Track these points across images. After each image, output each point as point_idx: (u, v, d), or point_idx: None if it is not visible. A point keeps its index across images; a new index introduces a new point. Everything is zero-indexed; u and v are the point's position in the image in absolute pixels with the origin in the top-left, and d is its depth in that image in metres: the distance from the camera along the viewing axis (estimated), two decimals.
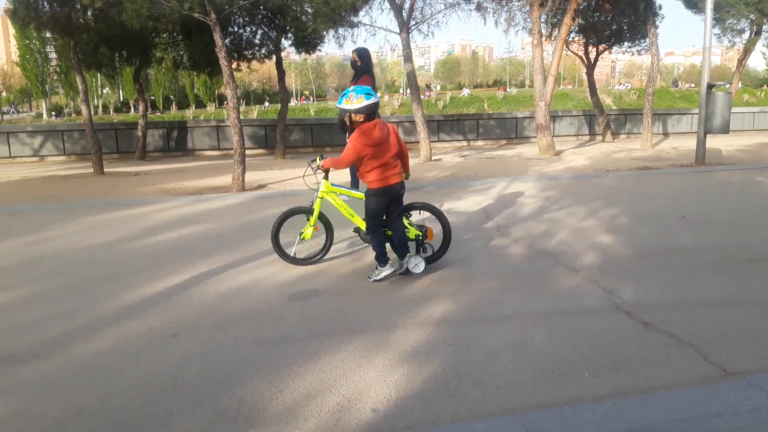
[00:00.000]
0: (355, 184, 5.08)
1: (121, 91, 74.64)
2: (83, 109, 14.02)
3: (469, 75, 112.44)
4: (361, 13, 17.80)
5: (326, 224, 5.33)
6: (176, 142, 20.94)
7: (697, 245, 5.82)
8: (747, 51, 23.84)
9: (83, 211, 8.30)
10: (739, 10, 21.18)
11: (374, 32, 22.69)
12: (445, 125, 23.83)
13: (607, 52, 25.28)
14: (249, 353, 3.54)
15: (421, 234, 5.11)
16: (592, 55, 23.60)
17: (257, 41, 18.50)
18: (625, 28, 22.68)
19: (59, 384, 3.21)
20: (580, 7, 15.93)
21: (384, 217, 4.97)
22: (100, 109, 68.60)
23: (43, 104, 68.12)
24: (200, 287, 4.81)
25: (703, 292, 4.45)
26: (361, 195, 5.15)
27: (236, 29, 18.17)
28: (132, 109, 68.08)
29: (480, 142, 23.91)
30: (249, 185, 11.25)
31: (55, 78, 66.18)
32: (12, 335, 3.89)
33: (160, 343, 3.71)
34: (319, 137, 22.06)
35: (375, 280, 4.87)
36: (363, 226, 5.11)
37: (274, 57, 18.95)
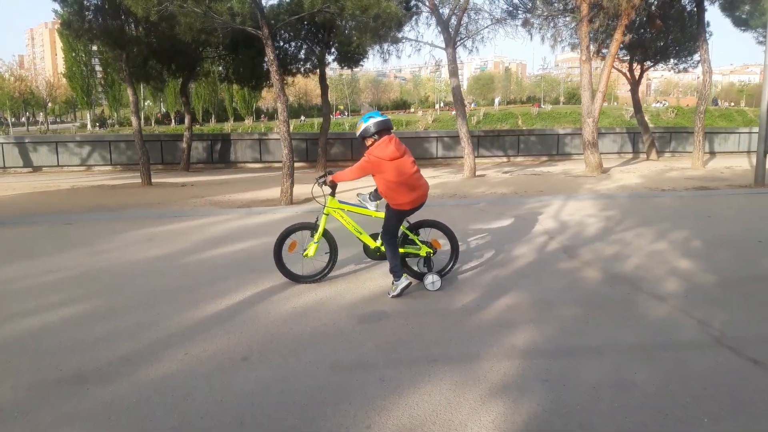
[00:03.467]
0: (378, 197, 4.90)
1: (162, 104, 76.30)
2: (133, 120, 14.20)
3: (503, 91, 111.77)
4: (406, 28, 17.75)
5: (330, 241, 5.14)
6: (219, 154, 21.15)
7: None
8: None
9: (137, 222, 8.27)
10: None
11: (419, 47, 22.62)
12: (485, 141, 23.54)
13: (651, 69, 24.69)
14: (326, 380, 3.32)
15: (432, 252, 5.07)
16: (636, 72, 23.06)
17: (302, 56, 18.59)
18: (671, 44, 22.15)
19: (131, 410, 3.03)
20: (631, 23, 15.51)
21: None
22: (142, 121, 70.08)
23: (88, 115, 70.00)
24: (265, 305, 4.63)
25: None
26: (370, 212, 5.05)
27: (281, 44, 18.28)
28: (173, 121, 69.55)
29: (520, 158, 23.55)
30: (296, 198, 11.15)
31: (99, 90, 68.02)
32: (77, 353, 3.75)
33: (231, 367, 3.52)
34: (358, 151, 21.96)
35: (394, 296, 4.80)
36: (371, 243, 5.03)
37: (318, 71, 19.01)
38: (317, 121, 69.20)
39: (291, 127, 58.06)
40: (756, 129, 26.14)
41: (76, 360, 3.65)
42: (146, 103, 75.38)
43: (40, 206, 10.63)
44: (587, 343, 3.82)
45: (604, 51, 18.58)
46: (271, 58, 10.73)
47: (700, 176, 14.60)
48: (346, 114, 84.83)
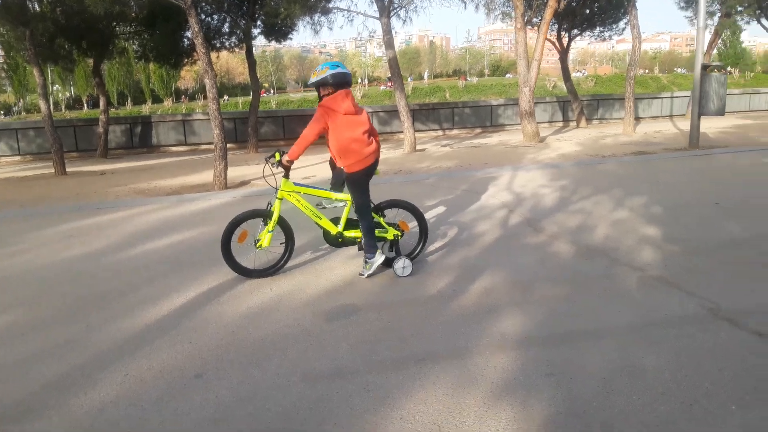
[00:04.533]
0: (339, 184, 4.38)
1: (72, 88, 71.33)
2: (42, 104, 12.85)
3: (429, 65, 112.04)
4: None
5: (286, 229, 4.62)
6: (140, 138, 19.76)
7: (752, 236, 5.33)
8: (717, 33, 23.93)
9: (54, 218, 7.35)
10: None
11: (351, 18, 21.84)
12: (420, 114, 23.20)
13: (578, 38, 25.04)
14: (300, 395, 2.83)
15: (400, 234, 4.72)
16: (565, 41, 23.31)
17: (226, 30, 17.49)
18: (597, 12, 22.48)
19: None
20: None
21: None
22: (52, 106, 65.36)
23: None
24: (215, 307, 4.04)
25: None
26: (328, 194, 4.59)
27: (203, 17, 17.10)
28: (85, 105, 65.24)
29: (455, 131, 23.41)
30: (231, 182, 10.41)
31: (2, 75, 62.78)
32: None
33: (184, 388, 2.95)
34: (290, 129, 21.15)
35: (370, 275, 4.52)
36: (333, 229, 4.60)
37: (244, 46, 17.98)
38: (241, 100, 66.73)
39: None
40: (678, 93, 27.22)
41: None
42: (55, 87, 70.22)
43: None
44: (582, 327, 3.50)
45: (535, 20, 18.50)
46: (196, 29, 9.82)
47: (634, 141, 14.85)
48: (272, 92, 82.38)
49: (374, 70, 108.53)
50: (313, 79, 4.42)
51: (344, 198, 4.59)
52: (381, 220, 4.68)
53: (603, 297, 3.95)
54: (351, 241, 4.68)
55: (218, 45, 17.60)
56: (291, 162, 4.43)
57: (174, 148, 19.98)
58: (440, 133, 22.95)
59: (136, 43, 19.36)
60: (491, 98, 35.42)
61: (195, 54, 18.30)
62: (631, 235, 5.46)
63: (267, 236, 4.52)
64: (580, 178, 8.75)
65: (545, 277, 4.40)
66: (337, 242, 4.67)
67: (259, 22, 17.95)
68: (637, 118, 25.84)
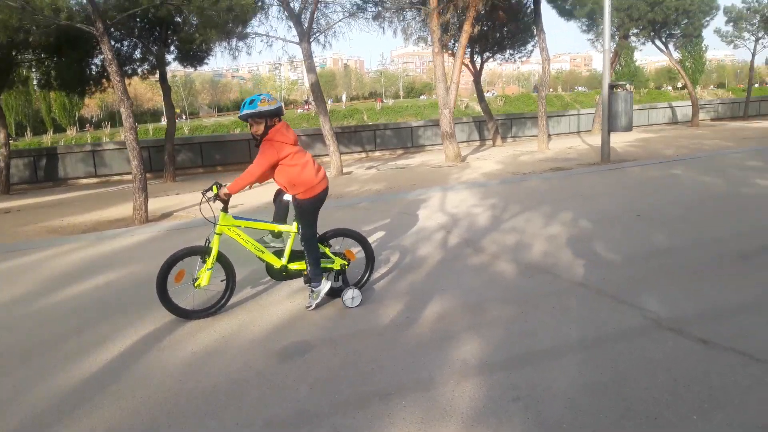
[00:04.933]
0: (282, 218, 4.31)
1: None
2: None
3: (346, 87, 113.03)
4: (255, 23, 16.77)
5: (226, 266, 4.40)
6: (45, 172, 18.50)
7: (677, 244, 5.66)
8: (617, 54, 25.68)
9: None
10: (615, 15, 22.68)
11: (271, 43, 21.57)
12: (342, 137, 23.22)
13: (490, 60, 26.09)
14: None
15: (347, 263, 4.63)
16: (478, 64, 24.23)
17: (137, 56, 16.82)
18: (507, 36, 23.55)
19: None
20: (477, 14, 16.04)
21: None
22: None
23: None
24: (156, 355, 3.77)
25: (727, 296, 4.18)
26: (271, 226, 4.47)
27: (113, 43, 16.34)
28: None
29: (378, 153, 23.61)
30: (152, 215, 9.91)
31: None
32: None
33: None
34: (209, 156, 20.55)
35: (318, 304, 4.44)
36: (276, 263, 4.45)
37: (157, 73, 17.34)
38: (151, 126, 64.11)
39: (122, 136, 52.75)
40: (584, 111, 28.87)
41: None
42: None
43: None
44: (539, 346, 3.54)
45: (450, 44, 19.11)
46: (110, 57, 9.33)
47: (550, 158, 15.54)
48: (184, 117, 79.92)
49: (290, 94, 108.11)
50: (268, 107, 4.19)
51: (288, 229, 4.46)
52: (327, 250, 4.57)
53: (553, 314, 4.03)
54: (296, 274, 4.54)
55: (130, 72, 16.85)
56: (229, 196, 4.25)
57: (83, 181, 18.84)
58: (363, 155, 23.06)
59: (38, 71, 18.22)
60: (411, 120, 36.08)
61: (103, 82, 17.48)
62: (566, 250, 5.65)
63: (206, 274, 4.29)
64: (507, 196, 9.01)
65: (494, 298, 4.44)
66: (281, 275, 4.51)
67: (173, 48, 17.41)
68: (549, 135, 27.19)
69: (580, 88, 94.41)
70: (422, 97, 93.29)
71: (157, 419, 2.96)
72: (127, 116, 9.51)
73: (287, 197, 4.41)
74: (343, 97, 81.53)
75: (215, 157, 20.62)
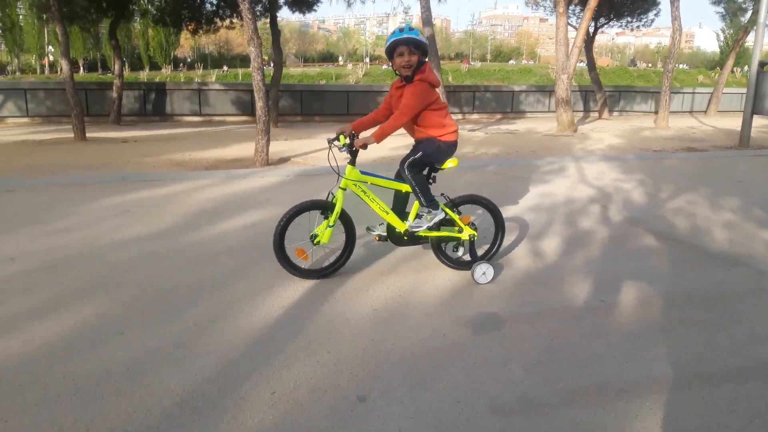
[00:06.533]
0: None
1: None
2: (63, 64, 12.07)
3: (430, 46, 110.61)
4: None
5: (346, 223, 3.98)
6: (153, 106, 19.01)
7: None
8: (747, 31, 23.43)
9: (97, 189, 6.74)
10: None
11: None
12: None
13: (606, 28, 24.46)
14: None
15: (476, 234, 4.08)
16: (592, 29, 22.73)
17: None
18: (628, 2, 21.93)
19: None
20: None
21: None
22: (47, 69, 63.82)
23: None
24: (334, 307, 3.50)
25: None
26: (398, 185, 3.96)
27: None
28: (81, 68, 63.63)
29: (476, 115, 22.84)
30: (270, 158, 9.80)
31: None
32: (98, 399, 2.52)
33: (352, 416, 2.43)
34: (308, 105, 20.48)
35: (429, 227, 3.93)
36: (401, 225, 3.95)
37: (269, 15, 17.21)
38: (241, 71, 65.48)
39: (213, 78, 53.82)
40: (700, 90, 26.77)
41: (106, 408, 2.43)
42: (49, 48, 68.28)
43: None
44: None
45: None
46: None
47: (675, 136, 14.39)
48: (270, 65, 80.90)
49: (375, 49, 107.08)
50: (422, 38, 3.68)
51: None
52: (456, 217, 4.04)
53: None
54: (419, 239, 4.06)
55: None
56: (365, 146, 3.70)
57: (187, 118, 19.25)
58: (460, 117, 22.36)
59: (152, 6, 18.53)
60: (513, 84, 34.90)
61: (216, 20, 17.54)
62: (757, 240, 4.99)
63: (327, 231, 3.85)
64: (652, 173, 8.26)
65: (694, 290, 3.90)
66: (402, 241, 4.04)
67: None
68: (657, 112, 25.42)
69: (682, 66, 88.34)
70: (511, 61, 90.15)
71: (364, 383, 2.68)
72: (256, 55, 9.33)
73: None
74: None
75: (313, 106, 20.53)
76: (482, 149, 11.44)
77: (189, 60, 76.15)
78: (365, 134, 3.79)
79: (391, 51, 3.73)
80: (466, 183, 7.23)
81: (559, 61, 15.08)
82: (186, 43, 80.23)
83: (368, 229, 4.15)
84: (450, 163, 3.94)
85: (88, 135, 12.95)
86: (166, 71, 65.63)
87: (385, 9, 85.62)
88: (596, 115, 23.23)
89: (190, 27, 17.79)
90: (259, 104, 9.48)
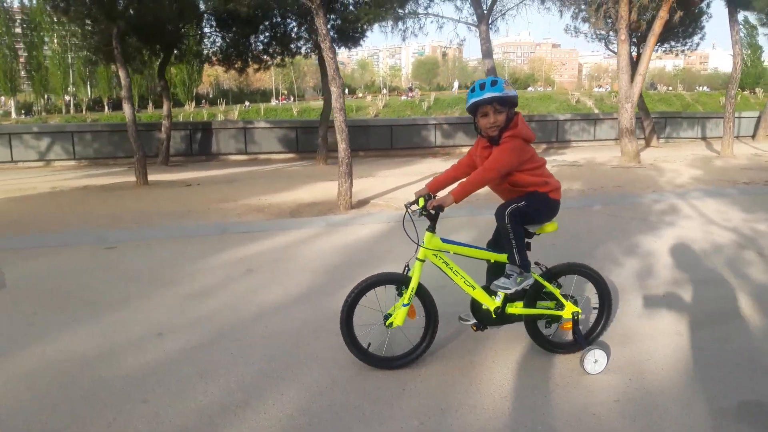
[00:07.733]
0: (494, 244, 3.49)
1: (91, 90, 70.29)
2: (126, 107, 11.85)
3: (446, 76, 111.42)
4: (423, 3, 16.01)
5: (426, 301, 3.36)
6: (199, 145, 18.82)
7: None
8: None
9: (200, 243, 6.34)
10: None
11: (442, 24, 20.91)
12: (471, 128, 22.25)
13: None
14: None
15: (580, 311, 3.40)
16: (634, 54, 22.37)
17: (303, 35, 16.59)
18: (676, 25, 21.55)
19: None
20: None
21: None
22: (72, 108, 64.94)
23: (11, 102, 63.70)
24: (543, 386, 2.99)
25: None
26: (488, 254, 3.35)
27: (277, 20, 16.20)
28: (106, 107, 64.56)
29: None
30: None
31: (23, 74, 62.29)
32: None
33: None
34: (353, 140, 20.10)
35: (517, 290, 3.22)
36: (489, 303, 3.30)
37: (317, 51, 17.08)
38: (263, 106, 66.06)
39: (236, 114, 54.04)
40: (746, 114, 26.16)
41: None
42: (72, 89, 69.41)
43: (30, 217, 8.34)
44: None
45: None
46: (324, 31, 8.91)
47: (749, 165, 13.82)
48: (292, 99, 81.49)
49: (392, 80, 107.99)
50: (510, 92, 3.11)
51: (502, 258, 3.33)
52: (556, 291, 3.38)
53: None
54: (512, 318, 3.39)
55: (294, 50, 16.70)
56: (442, 209, 3.12)
57: (233, 157, 19.03)
58: None
59: (198, 46, 18.54)
60: (558, 113, 34.61)
61: (265, 58, 17.42)
62: None
63: (401, 311, 3.24)
64: None
65: None
66: (491, 319, 3.37)
67: (329, 26, 17.09)
68: (704, 138, 24.87)
69: (702, 88, 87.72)
70: (530, 89, 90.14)
71: None
72: (338, 96, 9.03)
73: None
74: (456, 85, 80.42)
75: (358, 141, 20.22)
76: (564, 184, 10.95)
77: (211, 96, 77.05)
78: (442, 194, 3.23)
79: (474, 110, 3.20)
80: (574, 225, 6.75)
81: (622, 89, 14.68)
82: (207, 80, 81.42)
83: (461, 318, 3.51)
84: (549, 227, 3.35)
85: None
86: (189, 108, 66.41)
87: (441, 41, 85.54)
88: (643, 143, 22.71)
89: (235, 65, 17.65)
90: (342, 146, 9.12)
